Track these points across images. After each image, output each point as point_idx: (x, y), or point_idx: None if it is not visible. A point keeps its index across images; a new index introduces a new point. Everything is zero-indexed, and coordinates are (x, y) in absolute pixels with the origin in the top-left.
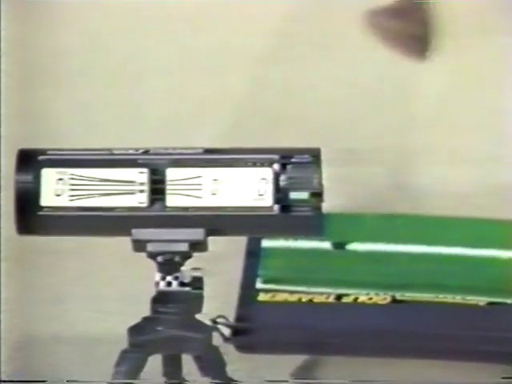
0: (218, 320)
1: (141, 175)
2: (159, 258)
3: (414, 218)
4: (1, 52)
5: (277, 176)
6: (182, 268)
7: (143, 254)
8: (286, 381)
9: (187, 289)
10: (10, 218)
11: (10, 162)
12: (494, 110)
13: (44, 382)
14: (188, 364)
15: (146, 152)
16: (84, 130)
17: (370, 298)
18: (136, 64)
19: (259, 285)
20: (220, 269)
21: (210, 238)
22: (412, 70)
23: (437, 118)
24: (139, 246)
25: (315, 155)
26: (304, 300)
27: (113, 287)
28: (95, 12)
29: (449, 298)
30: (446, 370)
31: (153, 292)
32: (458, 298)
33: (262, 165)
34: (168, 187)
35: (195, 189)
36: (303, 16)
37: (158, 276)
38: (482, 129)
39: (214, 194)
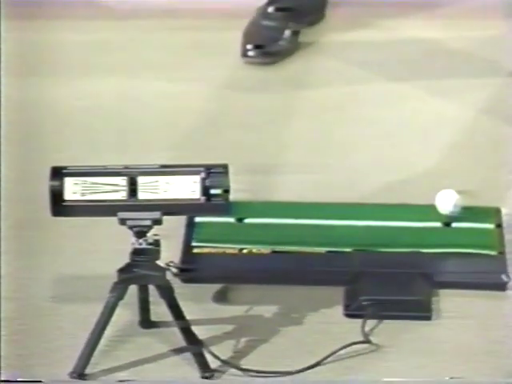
0: (170, 263)
1: (123, 181)
2: (134, 229)
3: (286, 203)
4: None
5: (203, 180)
6: (148, 234)
7: (125, 227)
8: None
9: (151, 246)
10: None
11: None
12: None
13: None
14: (152, 291)
15: (126, 167)
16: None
17: (259, 250)
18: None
19: (193, 243)
20: (170, 234)
21: (164, 217)
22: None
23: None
24: (122, 222)
25: (225, 168)
26: (220, 252)
27: (108, 245)
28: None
29: (304, 249)
30: (302, 291)
31: (130, 249)
32: (309, 249)
33: (194, 174)
34: (139, 187)
35: (155, 188)
36: None
37: (133, 239)
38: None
39: (166, 191)
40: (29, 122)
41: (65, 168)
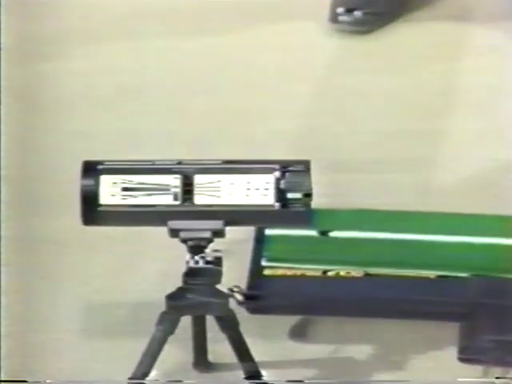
0: (234, 289)
1: (175, 180)
2: (189, 243)
3: (380, 212)
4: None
5: (278, 181)
6: (206, 250)
7: (177, 240)
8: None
9: (210, 266)
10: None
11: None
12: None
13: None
14: (210, 323)
15: (179, 163)
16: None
17: (348, 273)
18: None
19: (264, 263)
20: (235, 250)
21: (228, 228)
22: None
23: None
24: (174, 233)
25: (306, 165)
26: (298, 274)
27: (154, 264)
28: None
29: (407, 272)
30: (404, 326)
31: (184, 268)
32: (414, 272)
33: (267, 172)
34: (195, 189)
35: (216, 190)
36: None
37: (188, 256)
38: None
39: (231, 195)
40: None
41: (100, 163)
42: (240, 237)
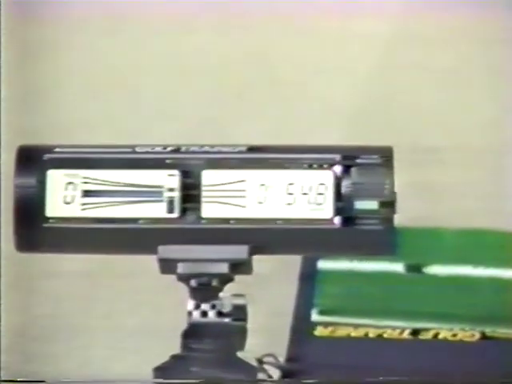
0: (266, 359)
1: (170, 178)
2: (192, 282)
3: (508, 235)
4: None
5: (339, 181)
6: (221, 294)
7: (173, 277)
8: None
9: (227, 320)
10: (8, 231)
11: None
12: None
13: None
14: None
15: (177, 150)
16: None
17: (455, 335)
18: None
19: (316, 316)
20: (268, 296)
21: (256, 258)
22: None
23: None
24: (168, 266)
25: (386, 155)
26: (372, 335)
27: (135, 317)
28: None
29: None
30: None
31: (184, 324)
32: None
33: (321, 167)
34: (204, 194)
35: (237, 196)
36: None
37: (190, 304)
38: None
39: (261, 203)
40: None
41: (48, 149)
42: (274, 271)
